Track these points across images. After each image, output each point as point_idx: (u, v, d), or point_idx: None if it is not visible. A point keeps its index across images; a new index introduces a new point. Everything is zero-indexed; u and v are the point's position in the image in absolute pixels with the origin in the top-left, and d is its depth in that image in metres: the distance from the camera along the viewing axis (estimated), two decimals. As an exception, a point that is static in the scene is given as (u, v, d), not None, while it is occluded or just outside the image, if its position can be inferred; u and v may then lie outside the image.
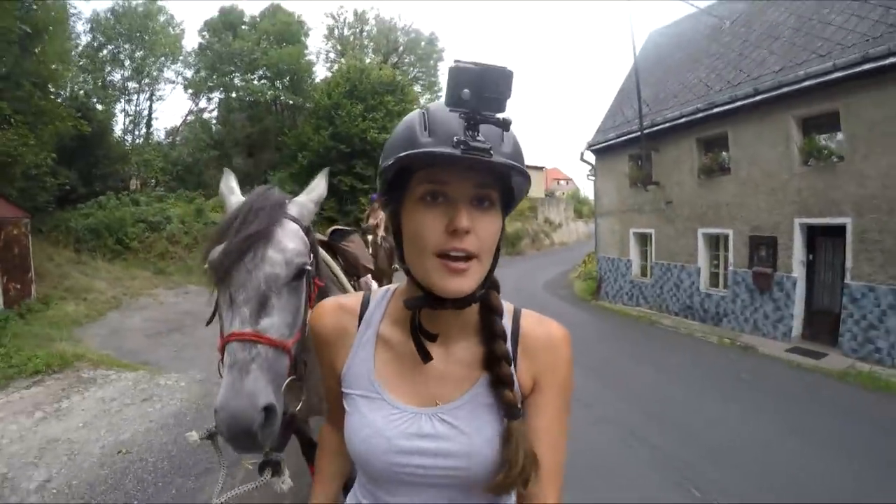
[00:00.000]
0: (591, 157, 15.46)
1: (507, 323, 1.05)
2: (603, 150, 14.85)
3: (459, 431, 0.99)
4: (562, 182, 58.17)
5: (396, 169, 0.92)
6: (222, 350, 1.42)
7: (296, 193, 1.84)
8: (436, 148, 0.86)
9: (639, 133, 12.24)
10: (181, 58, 25.48)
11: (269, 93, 25.10)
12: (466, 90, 0.81)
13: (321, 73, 30.61)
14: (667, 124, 11.91)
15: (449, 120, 0.87)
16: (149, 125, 25.55)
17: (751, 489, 4.22)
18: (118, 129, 23.30)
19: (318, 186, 1.82)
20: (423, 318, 1.00)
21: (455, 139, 0.83)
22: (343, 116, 22.57)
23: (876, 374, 7.47)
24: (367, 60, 30.91)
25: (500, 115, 0.84)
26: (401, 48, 33.06)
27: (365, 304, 1.13)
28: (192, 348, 8.50)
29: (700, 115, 10.92)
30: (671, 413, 6.12)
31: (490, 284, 1.01)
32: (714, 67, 11.76)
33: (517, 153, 0.93)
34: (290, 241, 1.56)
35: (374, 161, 19.95)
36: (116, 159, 20.25)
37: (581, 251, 22.08)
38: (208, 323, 1.74)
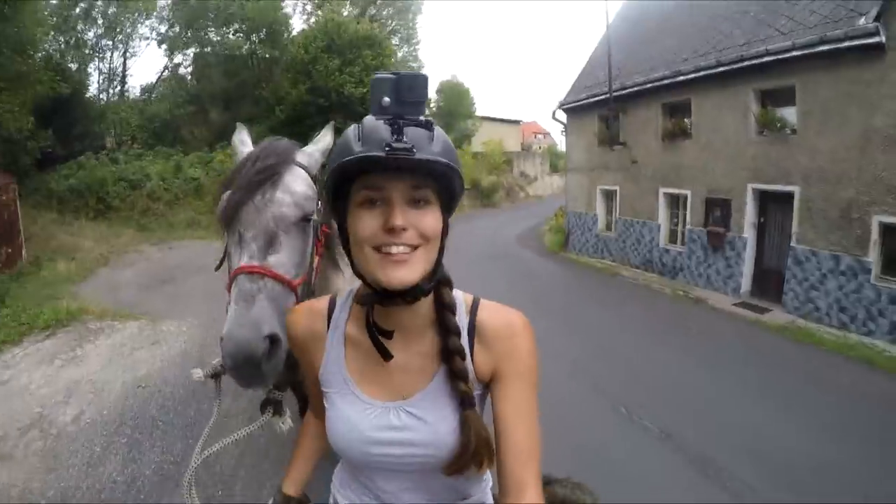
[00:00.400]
0: (563, 116, 15.93)
1: (463, 315, 1.11)
2: (574, 110, 15.34)
3: (424, 422, 1.06)
4: (539, 136, 58.25)
5: (336, 179, 0.99)
6: (230, 288, 1.48)
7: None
8: (360, 156, 0.92)
9: (608, 95, 12.72)
10: (155, 13, 24.68)
11: (245, 47, 24.81)
12: (386, 98, 0.89)
13: (298, 25, 29.99)
14: (635, 88, 12.39)
15: (378, 128, 0.92)
16: (123, 83, 25.15)
17: (663, 409, 5.15)
18: (93, 88, 23.01)
19: (325, 138, 1.89)
20: (380, 315, 1.06)
21: (383, 144, 0.89)
22: (320, 70, 22.42)
23: (810, 329, 8.29)
24: (345, 13, 30.50)
25: (421, 118, 0.92)
26: (378, 0, 32.47)
27: (332, 306, 1.20)
28: (186, 298, 8.93)
29: (665, 81, 11.43)
30: (615, 351, 7.01)
31: (441, 280, 1.08)
32: (683, 36, 12.13)
33: (447, 151, 0.97)
34: (297, 184, 1.62)
35: (351, 115, 19.85)
36: (93, 119, 20.21)
37: (554, 205, 22.64)
38: (217, 268, 1.77)
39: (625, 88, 12.64)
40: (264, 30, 25.04)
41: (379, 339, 1.05)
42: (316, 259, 1.73)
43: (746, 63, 9.56)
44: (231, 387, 1.53)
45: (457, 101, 35.96)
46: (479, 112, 39.22)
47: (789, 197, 9.17)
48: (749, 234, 10.05)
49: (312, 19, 30.33)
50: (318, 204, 1.70)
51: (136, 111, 22.86)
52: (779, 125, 9.37)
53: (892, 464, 4.28)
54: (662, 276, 12.07)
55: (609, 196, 14.42)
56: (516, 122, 38.47)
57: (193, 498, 1.37)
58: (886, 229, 7.79)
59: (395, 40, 32.27)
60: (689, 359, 6.84)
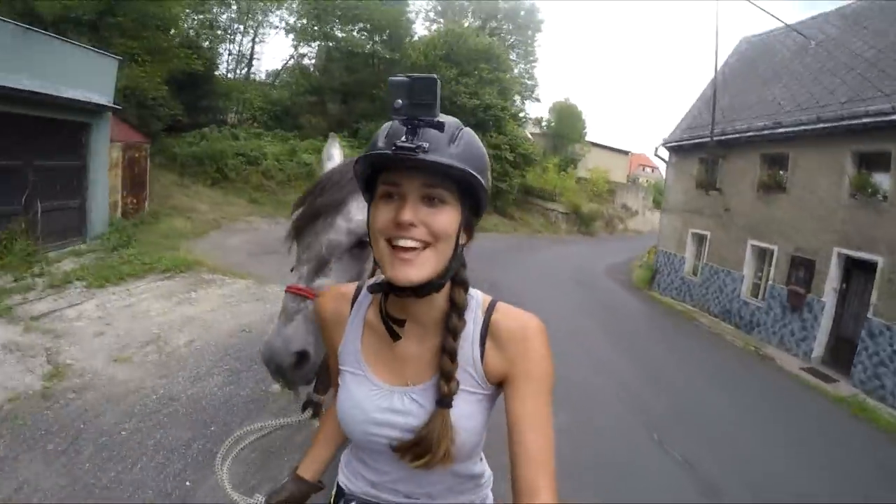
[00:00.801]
0: (665, 154, 15.96)
1: (478, 314, 1.13)
2: (676, 149, 15.35)
3: (424, 410, 1.09)
4: (647, 169, 56.99)
5: (363, 173, 1.06)
6: None
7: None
8: (377, 152, 0.97)
9: (709, 139, 12.74)
10: (285, 4, 26.49)
11: (368, 46, 25.93)
12: (399, 100, 0.92)
13: (420, 30, 31.28)
14: (736, 135, 12.32)
15: (399, 128, 0.95)
16: (250, 65, 27.25)
17: (696, 447, 5.43)
18: (222, 68, 24.94)
19: None
20: (395, 305, 1.11)
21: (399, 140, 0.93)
22: (439, 79, 23.31)
23: (866, 404, 8.10)
24: (466, 23, 31.53)
25: (433, 119, 0.94)
26: (500, 15, 33.29)
27: (358, 291, 1.25)
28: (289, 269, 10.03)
29: (766, 132, 11.34)
30: (665, 385, 7.35)
31: (456, 281, 1.10)
32: (790, 86, 11.97)
33: (469, 155, 1.00)
34: (359, 212, 1.69)
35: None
36: (220, 95, 21.86)
37: (651, 242, 22.47)
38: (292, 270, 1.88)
39: (726, 134, 12.58)
40: (387, 31, 26.11)
41: (389, 322, 1.11)
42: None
43: (846, 123, 9.43)
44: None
45: (568, 123, 36.04)
46: (590, 137, 39.14)
47: (873, 266, 8.92)
48: (829, 298, 9.80)
49: (434, 26, 31.75)
50: None
51: (260, 94, 24.44)
52: (871, 190, 9.15)
53: None
54: (738, 329, 11.88)
55: (699, 240, 14.32)
56: (625, 153, 38.09)
57: (223, 474, 1.45)
58: None
59: (512, 55, 33.05)
60: (739, 408, 7.02)
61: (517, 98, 31.79)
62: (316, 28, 26.62)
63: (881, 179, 9.12)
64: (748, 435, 6.10)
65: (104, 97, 9.36)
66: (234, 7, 24.87)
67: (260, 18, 26.28)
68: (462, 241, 1.07)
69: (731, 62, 15.59)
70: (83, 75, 8.86)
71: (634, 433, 5.57)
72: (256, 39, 27.12)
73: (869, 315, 8.89)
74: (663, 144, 15.48)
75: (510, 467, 1.04)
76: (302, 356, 1.59)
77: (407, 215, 0.97)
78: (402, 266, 0.99)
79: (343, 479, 1.30)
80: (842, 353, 9.57)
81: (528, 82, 33.85)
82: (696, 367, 8.97)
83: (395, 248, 0.99)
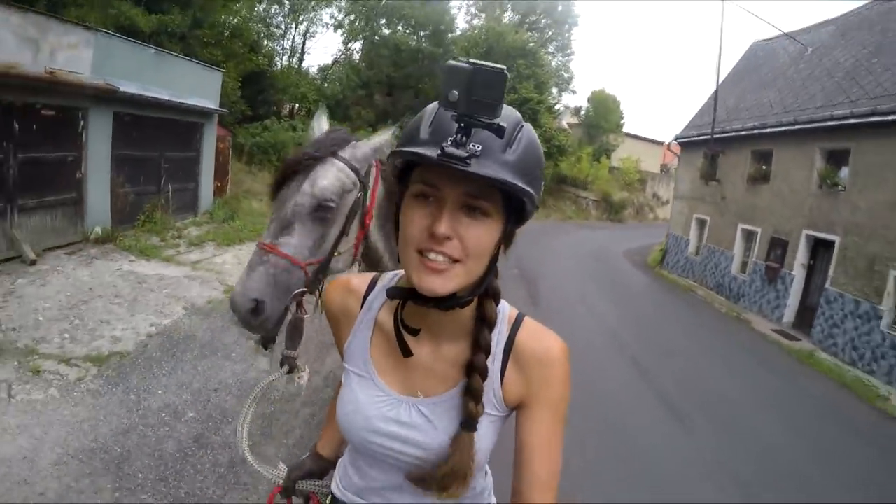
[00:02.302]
0: (677, 148, 18.09)
1: (503, 331, 1.07)
2: (686, 144, 17.44)
3: (433, 426, 1.05)
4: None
5: (398, 162, 0.97)
6: None
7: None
8: (423, 148, 0.85)
9: (710, 136, 14.84)
10: (335, 2, 28.86)
11: (413, 42, 28.29)
12: (455, 91, 0.78)
13: (462, 24, 33.30)
14: (732, 133, 14.37)
15: (448, 123, 0.83)
16: (301, 60, 29.49)
17: (675, 385, 7.34)
18: (276, 63, 27.03)
19: (382, 136, 2.01)
20: (414, 312, 1.05)
21: (444, 141, 0.82)
22: (479, 76, 25.60)
23: (817, 355, 10.17)
24: (505, 18, 33.50)
25: (494, 121, 0.80)
26: (538, 10, 34.86)
27: (371, 287, 1.19)
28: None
29: (755, 131, 13.37)
30: (657, 341, 9.45)
31: (487, 292, 1.03)
32: (782, 90, 13.92)
33: (525, 161, 0.91)
34: (324, 178, 1.80)
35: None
36: (278, 89, 24.08)
37: (674, 228, 24.65)
38: None
39: (724, 132, 14.61)
40: (430, 27, 28.43)
41: (402, 334, 1.06)
42: (353, 242, 1.97)
43: (815, 125, 11.39)
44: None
45: (604, 113, 37.37)
46: (628, 126, 40.32)
47: (831, 244, 10.91)
48: (798, 272, 11.83)
49: (475, 20, 33.80)
50: (353, 194, 1.89)
51: (313, 87, 26.70)
52: (833, 182, 11.15)
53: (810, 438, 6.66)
54: (728, 300, 13.98)
55: (701, 224, 16.42)
56: (659, 143, 39.45)
57: (245, 448, 1.46)
58: None
59: (550, 48, 34.93)
60: (711, 357, 9.28)
61: (554, 90, 33.75)
62: (363, 24, 29.06)
63: (843, 172, 11.05)
64: (708, 369, 8.36)
65: (213, 102, 12.19)
66: (287, 5, 27.06)
67: (311, 15, 28.52)
68: (500, 253, 0.99)
69: (741, 64, 17.63)
70: (198, 85, 11.62)
71: (615, 363, 7.81)
72: (307, 35, 29.44)
73: (827, 285, 10.89)
74: (675, 139, 17.62)
75: (513, 488, 1.05)
76: (258, 304, 1.70)
77: (443, 227, 0.88)
78: (429, 276, 0.91)
79: (337, 489, 1.26)
80: (806, 317, 11.58)
81: (565, 75, 35.60)
82: (679, 325, 11.23)
83: (424, 257, 0.91)
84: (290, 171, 1.83)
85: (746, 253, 14.05)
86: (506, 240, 0.99)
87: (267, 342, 1.86)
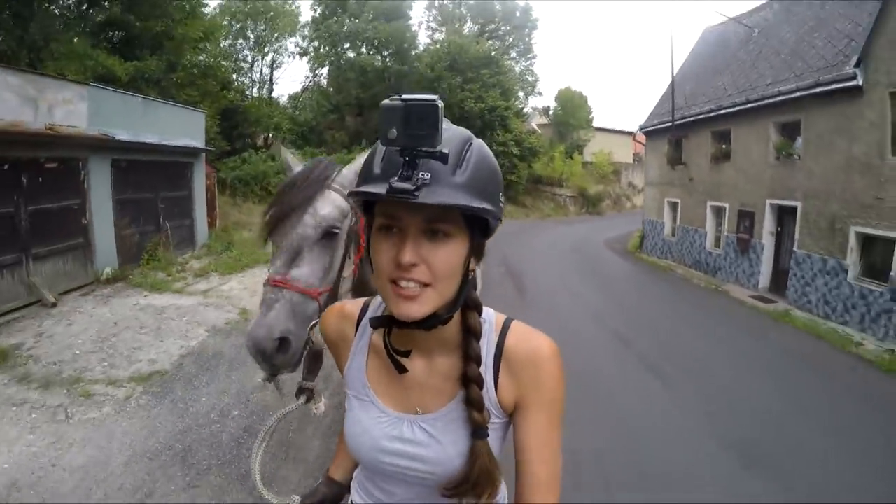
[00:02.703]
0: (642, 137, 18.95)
1: (492, 338, 1.11)
2: (651, 133, 18.32)
3: (435, 440, 1.09)
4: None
5: (358, 201, 1.03)
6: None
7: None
8: (374, 186, 0.91)
9: (672, 122, 15.67)
10: (297, 32, 29.79)
11: (378, 64, 29.19)
12: (393, 129, 0.83)
13: (423, 39, 34.39)
14: (691, 118, 15.21)
15: (396, 159, 0.89)
16: (270, 90, 30.26)
17: (655, 349, 7.99)
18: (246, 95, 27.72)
19: (359, 160, 1.97)
20: (402, 333, 1.09)
21: (393, 175, 0.87)
22: (444, 87, 26.51)
23: (792, 313, 10.91)
24: (466, 29, 34.49)
25: (436, 149, 0.84)
26: (497, 18, 35.98)
27: (364, 311, 1.24)
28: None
29: (712, 114, 14.21)
30: (638, 317, 10.12)
31: (469, 304, 1.08)
32: (734, 73, 14.75)
33: (478, 178, 0.94)
34: (324, 207, 1.93)
35: (469, 129, 23.99)
36: (252, 122, 24.49)
37: (651, 214, 25.55)
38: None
39: (685, 118, 15.47)
40: (394, 47, 29.29)
41: (395, 355, 1.10)
42: (352, 265, 2.07)
43: (766, 101, 12.20)
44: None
45: (572, 110, 38.44)
46: (598, 120, 41.49)
47: (794, 210, 11.70)
48: (767, 240, 12.61)
49: (436, 34, 34.90)
50: (350, 220, 2.03)
51: (286, 117, 27.47)
52: (788, 152, 11.96)
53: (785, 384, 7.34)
54: (706, 275, 14.74)
55: (673, 206, 17.23)
56: (630, 133, 40.46)
57: (257, 477, 1.51)
58: (861, 237, 10.20)
59: (512, 54, 36.12)
60: (692, 325, 9.96)
61: (521, 94, 34.67)
62: (328, 50, 29.97)
63: (798, 143, 11.78)
64: (687, 335, 9.03)
65: (199, 141, 12.81)
66: (252, 38, 27.87)
67: (276, 46, 29.35)
68: (471, 266, 1.03)
69: (696, 51, 18.50)
70: (184, 127, 12.23)
71: (597, 336, 8.49)
72: (274, 65, 30.23)
73: (795, 248, 11.64)
74: (640, 130, 18.48)
75: (515, 493, 1.07)
76: (283, 341, 1.75)
77: (407, 256, 0.93)
78: (404, 303, 0.96)
79: (357, 498, 1.29)
80: (780, 281, 12.31)
81: (529, 79, 36.64)
82: (660, 301, 11.92)
83: (396, 285, 0.96)
84: (288, 205, 1.91)
85: (718, 228, 14.81)
86: (475, 253, 1.02)
87: (273, 375, 1.88)
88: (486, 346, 1.10)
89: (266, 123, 26.02)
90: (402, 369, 1.11)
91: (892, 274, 9.21)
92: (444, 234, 0.95)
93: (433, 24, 36.53)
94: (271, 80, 30.22)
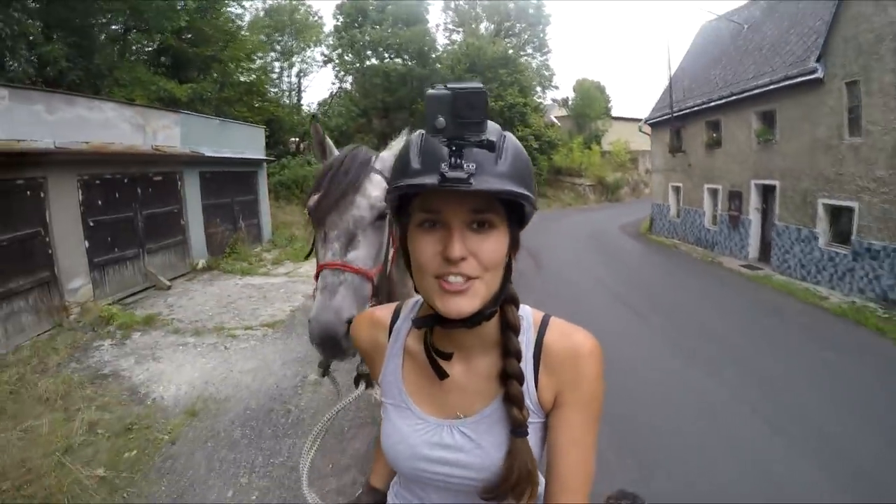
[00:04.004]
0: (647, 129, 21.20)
1: (531, 335, 1.11)
2: (655, 124, 20.58)
3: (476, 445, 1.08)
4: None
5: (394, 198, 1.01)
6: (317, 277, 1.85)
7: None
8: (419, 178, 0.91)
9: (671, 115, 17.91)
10: (322, 40, 32.15)
11: (400, 68, 31.40)
12: (440, 118, 0.85)
13: (441, 40, 36.42)
14: (688, 110, 17.41)
15: (438, 149, 0.90)
16: (299, 98, 32.75)
17: (643, 298, 10.30)
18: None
19: (400, 143, 2.13)
20: (441, 335, 1.10)
21: (439, 166, 0.88)
22: (464, 89, 28.73)
23: (771, 277, 13.12)
24: (482, 29, 36.71)
25: (482, 137, 0.87)
26: (511, 16, 37.99)
27: (396, 316, 1.24)
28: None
29: (704, 106, 16.41)
30: (638, 283, 12.28)
31: (506, 299, 1.08)
32: (725, 67, 16.87)
33: (517, 170, 0.95)
34: (374, 189, 1.94)
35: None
36: (286, 130, 27.09)
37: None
38: (306, 258, 2.26)
39: (682, 110, 17.68)
40: (414, 51, 31.56)
41: (436, 359, 1.10)
42: (392, 250, 2.06)
43: (748, 93, 14.32)
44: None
45: (588, 102, 40.27)
46: (615, 109, 43.24)
47: (773, 188, 13.88)
48: (753, 216, 14.75)
49: (454, 35, 37.16)
50: None
51: (318, 123, 29.82)
52: (766, 138, 14.10)
53: (757, 329, 9.61)
54: (706, 249, 16.95)
55: (676, 190, 19.45)
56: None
57: (305, 480, 1.55)
58: (828, 208, 12.27)
59: (528, 49, 38.04)
60: (686, 288, 12.19)
61: (539, 89, 36.69)
62: (353, 58, 32.39)
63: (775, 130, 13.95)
64: (677, 293, 11.33)
65: (260, 153, 15.49)
66: (279, 48, 30.01)
67: (303, 55, 31.83)
68: (511, 258, 1.03)
69: (694, 46, 20.71)
70: (249, 141, 14.94)
71: (598, 294, 10.81)
72: (301, 74, 32.68)
73: (776, 221, 13.81)
74: (645, 121, 20.72)
75: (547, 489, 1.07)
76: (349, 324, 1.70)
77: (457, 250, 0.93)
78: (453, 299, 0.96)
79: (393, 499, 1.31)
80: (766, 251, 14.48)
81: (546, 73, 38.50)
82: (660, 271, 14.20)
83: (443, 281, 0.96)
84: (337, 189, 1.90)
85: (714, 208, 17.02)
86: (513, 245, 1.03)
87: (328, 365, 1.91)
88: (525, 343, 1.10)
89: (299, 130, 28.45)
90: (442, 375, 1.10)
91: (853, 238, 11.22)
92: (490, 225, 0.96)
93: (451, 26, 38.62)
94: (299, 87, 32.74)
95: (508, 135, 1.00)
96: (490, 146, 0.89)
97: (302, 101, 33.08)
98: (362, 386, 1.91)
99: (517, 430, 1.04)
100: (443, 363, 1.10)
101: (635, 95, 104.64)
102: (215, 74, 19.63)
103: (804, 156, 12.67)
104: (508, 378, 1.06)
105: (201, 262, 12.33)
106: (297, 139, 29.38)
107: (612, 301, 10.30)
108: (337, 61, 33.24)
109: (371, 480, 1.47)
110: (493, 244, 0.97)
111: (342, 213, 1.90)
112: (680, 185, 19.09)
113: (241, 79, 21.28)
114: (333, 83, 34.65)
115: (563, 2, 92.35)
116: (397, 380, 1.18)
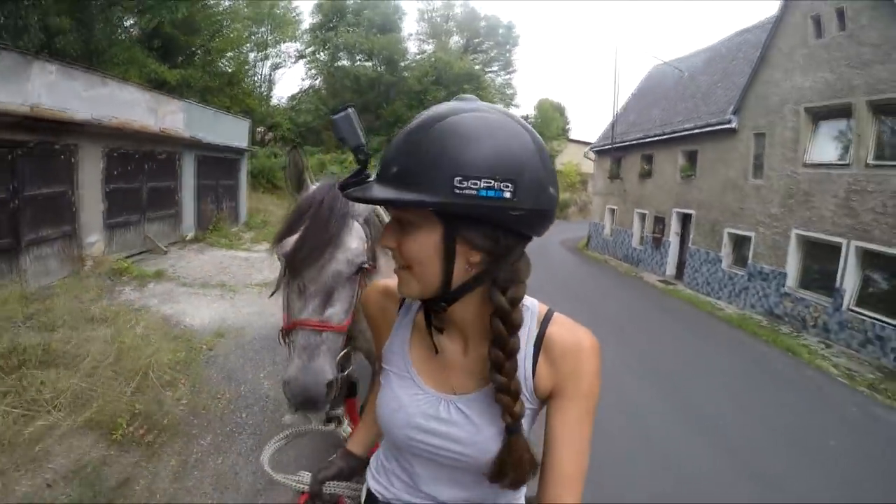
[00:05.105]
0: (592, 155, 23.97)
1: (532, 327, 1.17)
2: (599, 152, 23.32)
3: (470, 422, 1.15)
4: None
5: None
6: (288, 328, 1.92)
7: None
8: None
9: (611, 146, 20.60)
10: (297, 38, 33.59)
11: (370, 73, 33.31)
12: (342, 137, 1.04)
13: (413, 48, 38.58)
14: (628, 142, 20.02)
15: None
16: (270, 91, 34.15)
17: (587, 314, 12.87)
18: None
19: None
20: (441, 314, 1.15)
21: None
22: (430, 100, 30.74)
23: (680, 290, 15.69)
24: (452, 43, 38.93)
25: (360, 146, 1.05)
26: (482, 32, 40.39)
27: None
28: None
29: (640, 141, 19.05)
30: (570, 291, 14.42)
31: (500, 286, 1.08)
32: (663, 108, 19.48)
33: (411, 171, 0.97)
34: (353, 241, 1.97)
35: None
36: (257, 121, 28.04)
37: (607, 220, 30.37)
38: (271, 295, 2.44)
39: (623, 142, 20.30)
40: (385, 58, 33.54)
41: (431, 331, 1.19)
42: (360, 294, 2.01)
43: (676, 134, 16.84)
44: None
45: (547, 121, 42.74)
46: (575, 132, 45.85)
47: (691, 217, 16.43)
48: (673, 239, 17.29)
49: (424, 45, 39.26)
50: (366, 249, 2.06)
51: (286, 117, 31.63)
52: (688, 174, 16.68)
53: (664, 332, 12.06)
54: (631, 265, 19.53)
55: (612, 212, 22.08)
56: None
57: (266, 462, 1.63)
58: (731, 236, 14.67)
59: (494, 67, 40.65)
60: (613, 299, 14.66)
61: (500, 106, 38.77)
62: (326, 58, 34.27)
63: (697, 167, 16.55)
64: (602, 301, 13.70)
65: (244, 142, 17.45)
66: (254, 39, 30.86)
67: (277, 49, 33.08)
68: (474, 259, 1.04)
69: (642, 86, 23.40)
70: (236, 132, 16.85)
71: (560, 293, 13.21)
72: (273, 67, 34.01)
73: (690, 245, 16.32)
74: (591, 149, 23.49)
75: (541, 479, 1.11)
76: (330, 385, 1.83)
77: (382, 240, 1.08)
78: (398, 282, 1.12)
79: (375, 484, 1.35)
80: (681, 269, 16.99)
81: (508, 91, 41.17)
82: (589, 282, 16.56)
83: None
84: (315, 240, 1.90)
85: (642, 230, 19.61)
86: (473, 244, 1.02)
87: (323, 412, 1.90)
88: (527, 334, 1.15)
89: (268, 122, 30.24)
90: (435, 348, 1.20)
91: (748, 262, 13.65)
92: (409, 224, 1.03)
93: (422, 36, 40.67)
94: (271, 80, 34.22)
95: (439, 126, 0.99)
96: (361, 162, 1.04)
97: (272, 94, 34.67)
98: (333, 424, 2.03)
99: (510, 427, 1.09)
100: (445, 341, 1.20)
101: (593, 120, 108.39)
102: (199, 62, 21.41)
103: (716, 191, 15.08)
104: (493, 366, 1.08)
105: (189, 235, 14.22)
106: (264, 130, 30.97)
107: (536, 295, 12.49)
108: (310, 58, 35.04)
109: (348, 445, 1.55)
110: (413, 241, 1.03)
111: (321, 269, 1.92)
112: (615, 207, 21.73)
113: (225, 69, 23.07)
114: (304, 79, 36.48)
115: (534, 20, 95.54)
116: (404, 350, 1.27)
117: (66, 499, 3.43)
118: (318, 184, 2.21)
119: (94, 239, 10.72)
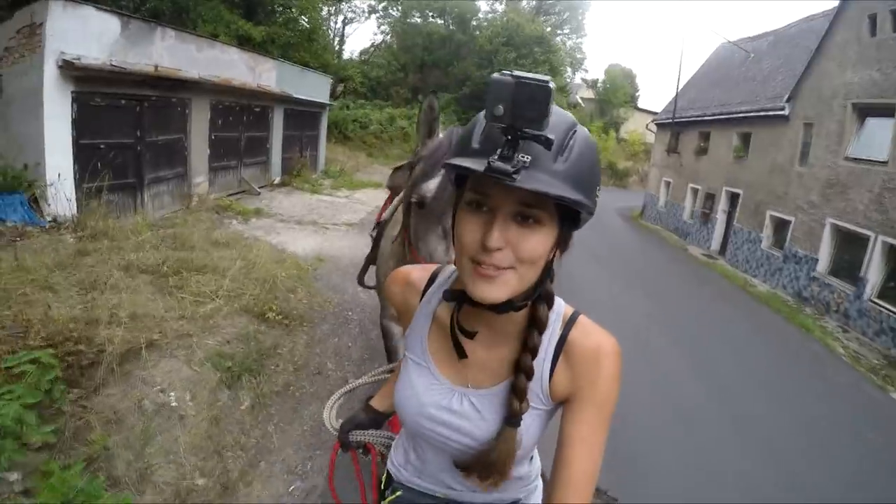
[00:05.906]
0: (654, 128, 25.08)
1: (556, 329, 1.17)
2: (660, 125, 24.31)
3: (481, 416, 1.19)
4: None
5: (451, 170, 1.04)
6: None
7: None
8: (473, 160, 0.94)
9: (672, 120, 21.76)
10: None
11: (443, 31, 34.55)
12: (500, 106, 0.85)
13: (483, 8, 39.62)
14: (687, 119, 21.09)
15: (497, 135, 0.91)
16: (342, 45, 35.90)
17: (619, 265, 14.19)
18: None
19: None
20: (470, 312, 1.16)
21: (492, 152, 0.89)
22: (500, 60, 32.09)
23: (720, 265, 16.95)
24: (524, 3, 39.76)
25: (541, 133, 0.87)
26: (553, -3, 40.85)
27: (431, 280, 1.33)
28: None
29: (699, 119, 20.12)
30: (618, 256, 15.80)
31: (540, 296, 1.12)
32: (725, 88, 20.31)
33: (578, 169, 0.97)
34: None
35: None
36: (331, 75, 29.90)
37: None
38: (373, 230, 2.91)
39: (682, 118, 21.37)
40: (457, 16, 34.67)
41: (458, 337, 1.18)
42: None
43: (732, 116, 17.87)
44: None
45: (615, 88, 43.47)
46: (644, 101, 46.00)
47: (738, 196, 17.53)
48: (720, 216, 18.40)
49: (496, 4, 39.96)
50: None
51: (359, 71, 32.83)
52: (740, 154, 17.73)
53: (696, 303, 13.60)
54: (679, 237, 20.79)
55: (667, 185, 23.22)
56: (657, 113, 45.21)
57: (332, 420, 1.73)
58: (773, 218, 15.76)
59: (566, 29, 41.22)
60: (653, 269, 16.15)
61: (569, 69, 40.03)
62: (397, 13, 35.57)
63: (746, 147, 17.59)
64: (645, 266, 15.20)
65: (326, 98, 19.41)
66: None
67: (351, 4, 34.74)
68: (554, 256, 1.06)
69: (708, 63, 24.10)
70: (318, 87, 18.76)
71: (585, 261, 14.72)
72: (345, 22, 35.80)
73: (735, 223, 17.52)
74: (653, 121, 24.60)
75: (550, 482, 1.13)
76: None
77: (494, 241, 0.96)
78: (482, 283, 1.01)
79: (392, 467, 1.45)
80: (724, 246, 18.17)
81: (578, 55, 41.89)
82: (637, 250, 18.00)
83: (476, 264, 1.01)
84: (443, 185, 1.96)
85: (693, 204, 20.78)
86: (561, 244, 1.07)
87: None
88: (550, 336, 1.16)
89: (342, 75, 31.45)
90: (462, 355, 1.19)
91: (786, 245, 14.76)
92: (535, 221, 0.98)
93: (495, -3, 41.53)
94: (342, 35, 35.96)
95: (581, 132, 1.00)
96: (547, 143, 0.89)
97: (343, 48, 36.16)
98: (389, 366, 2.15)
99: (511, 419, 1.13)
100: (466, 340, 1.19)
101: (661, 90, 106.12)
102: (281, 20, 23.13)
103: (764, 174, 16.07)
104: (519, 371, 1.13)
105: (276, 179, 16.29)
106: (335, 81, 32.22)
107: (590, 261, 13.77)
108: (382, 14, 36.33)
109: (372, 402, 1.65)
110: (534, 241, 0.99)
111: (441, 212, 2.02)
112: (671, 180, 22.86)
113: (304, 25, 24.83)
114: (375, 34, 37.92)
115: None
116: (423, 341, 1.29)
117: (241, 351, 5.19)
118: (444, 132, 2.40)
119: (200, 180, 12.70)
